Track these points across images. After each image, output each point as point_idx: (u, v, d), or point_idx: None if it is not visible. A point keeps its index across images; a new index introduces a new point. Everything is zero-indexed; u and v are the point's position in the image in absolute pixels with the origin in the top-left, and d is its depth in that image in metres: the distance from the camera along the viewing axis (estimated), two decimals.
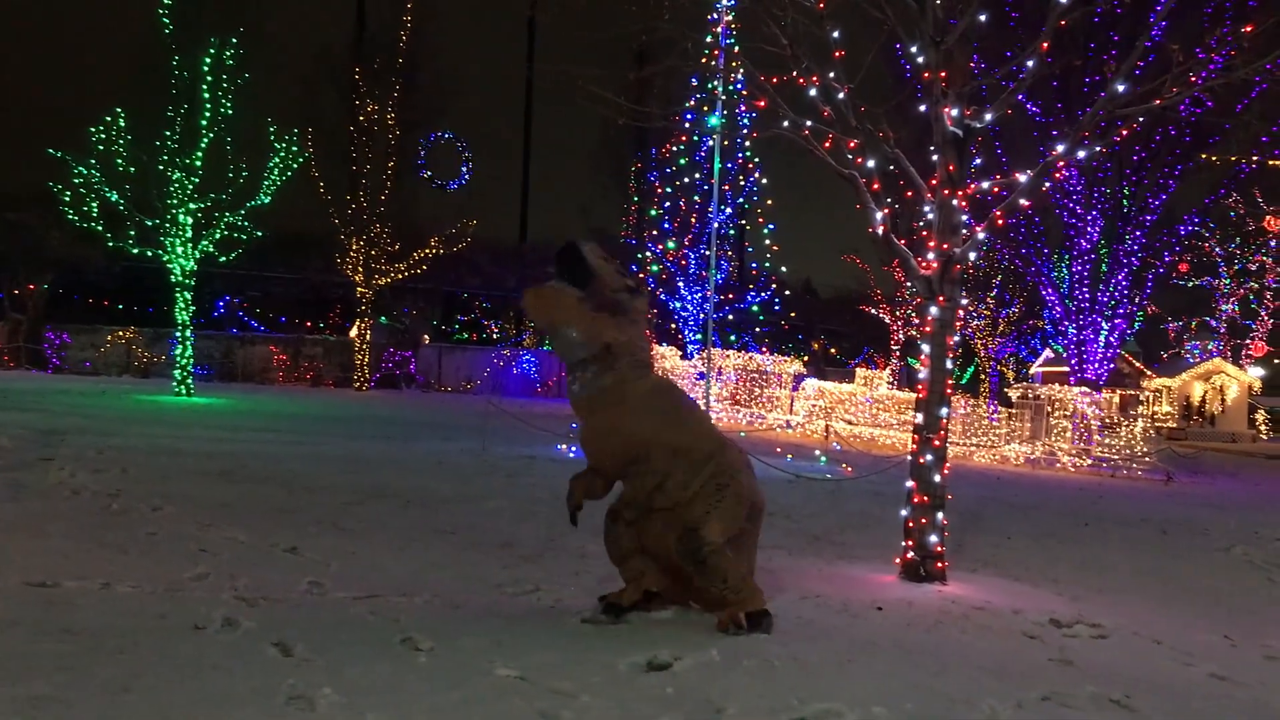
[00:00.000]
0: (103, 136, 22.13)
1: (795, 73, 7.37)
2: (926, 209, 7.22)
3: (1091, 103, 7.37)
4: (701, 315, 28.38)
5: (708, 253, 22.28)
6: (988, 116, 7.19)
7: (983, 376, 41.93)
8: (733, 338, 29.38)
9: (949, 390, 7.22)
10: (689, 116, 25.17)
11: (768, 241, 28.51)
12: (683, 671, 4.33)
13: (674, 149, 28.69)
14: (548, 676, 4.12)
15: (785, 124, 7.45)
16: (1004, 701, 4.22)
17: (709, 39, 17.77)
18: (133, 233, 22.95)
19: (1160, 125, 23.71)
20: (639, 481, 5.03)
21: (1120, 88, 6.83)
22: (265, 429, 15.80)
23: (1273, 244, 38.76)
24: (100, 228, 22.93)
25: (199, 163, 22.84)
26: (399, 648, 4.48)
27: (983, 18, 7.07)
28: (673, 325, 30.62)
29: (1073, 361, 26.89)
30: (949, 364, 7.22)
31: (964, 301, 7.48)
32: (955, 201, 7.07)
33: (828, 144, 7.38)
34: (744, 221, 30.24)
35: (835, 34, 7.31)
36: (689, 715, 3.82)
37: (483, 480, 11.10)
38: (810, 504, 10.95)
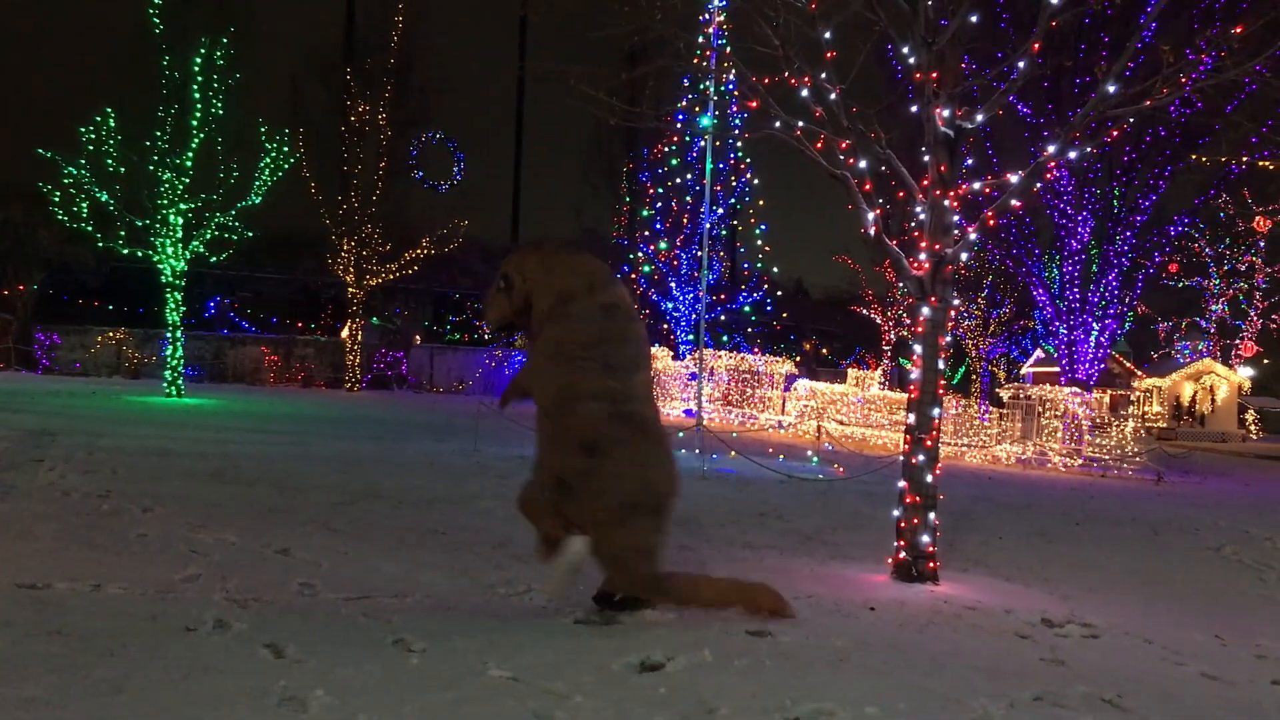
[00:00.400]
0: (93, 136, 22.04)
1: (787, 73, 7.38)
2: (918, 209, 7.24)
3: (1082, 103, 7.40)
4: (693, 316, 28.40)
5: (699, 253, 22.33)
6: (979, 117, 7.21)
7: (974, 377, 42.02)
8: (724, 338, 29.46)
9: (941, 390, 7.24)
10: (681, 117, 25.26)
11: (759, 242, 28.67)
12: (675, 672, 4.33)
13: (666, 149, 28.77)
14: (541, 677, 4.11)
15: (777, 124, 7.46)
16: (996, 701, 4.23)
17: (700, 39, 17.81)
18: (123, 233, 22.82)
19: (1150, 126, 23.81)
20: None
21: (1111, 89, 6.86)
22: (256, 430, 15.75)
23: (1262, 244, 38.93)
24: (90, 228, 22.80)
25: (189, 163, 22.74)
26: (391, 649, 4.47)
27: (974, 19, 7.10)
28: (665, 326, 30.62)
29: (1063, 362, 26.98)
30: (940, 364, 7.24)
31: (955, 302, 7.50)
32: (947, 202, 7.09)
33: (819, 145, 7.40)
34: (736, 222, 30.31)
35: (827, 35, 7.32)
36: (682, 715, 3.82)
37: (475, 480, 11.08)
38: (802, 504, 10.98)
